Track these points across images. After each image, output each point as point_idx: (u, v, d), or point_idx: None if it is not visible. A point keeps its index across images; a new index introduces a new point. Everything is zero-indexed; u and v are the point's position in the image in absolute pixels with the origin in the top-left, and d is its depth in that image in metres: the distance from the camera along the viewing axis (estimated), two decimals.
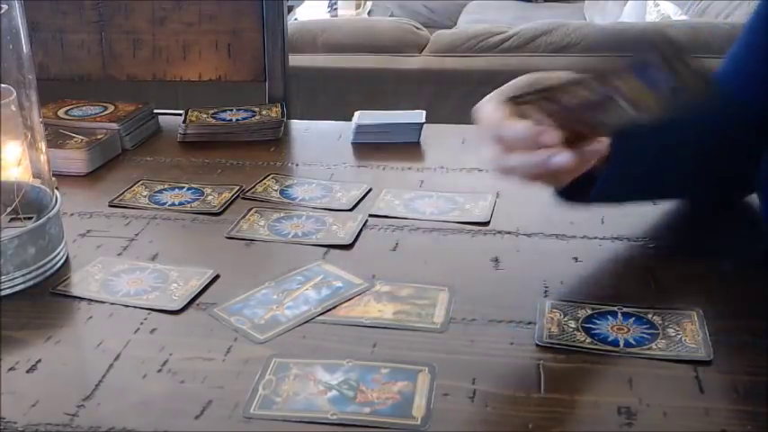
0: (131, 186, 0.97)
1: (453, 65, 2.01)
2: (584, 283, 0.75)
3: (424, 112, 1.12)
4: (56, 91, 1.19)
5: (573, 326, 0.68)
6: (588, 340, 0.66)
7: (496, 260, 0.79)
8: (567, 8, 4.04)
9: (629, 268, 0.78)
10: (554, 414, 0.58)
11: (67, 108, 1.14)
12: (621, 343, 0.65)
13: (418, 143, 1.09)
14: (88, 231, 0.86)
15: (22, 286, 0.74)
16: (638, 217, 0.86)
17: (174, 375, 0.63)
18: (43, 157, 0.81)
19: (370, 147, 1.08)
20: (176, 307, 0.72)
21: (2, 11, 0.74)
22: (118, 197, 0.94)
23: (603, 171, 0.71)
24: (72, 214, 0.89)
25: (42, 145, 0.81)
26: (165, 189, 0.96)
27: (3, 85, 0.77)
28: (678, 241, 0.82)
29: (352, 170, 1.02)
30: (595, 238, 0.83)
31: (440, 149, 1.07)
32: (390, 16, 4.01)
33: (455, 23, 3.72)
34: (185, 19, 1.21)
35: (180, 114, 1.17)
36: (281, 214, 0.89)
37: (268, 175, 0.99)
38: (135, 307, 0.72)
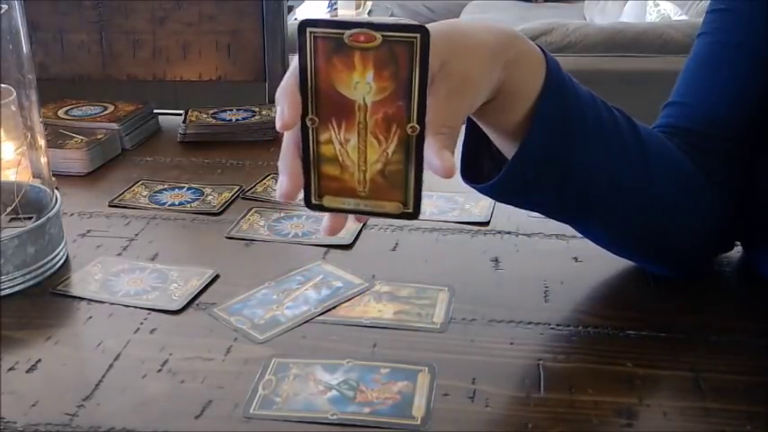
0: (131, 186, 0.97)
1: None
2: (584, 283, 0.75)
3: None
4: (56, 91, 1.19)
5: None
6: None
7: (496, 260, 0.79)
8: (567, 8, 4.04)
9: (628, 268, 0.78)
10: (554, 414, 0.58)
11: (67, 108, 1.14)
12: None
13: None
14: (88, 231, 0.86)
15: (22, 286, 0.74)
16: None
17: (174, 375, 0.63)
18: (43, 158, 0.81)
19: None
20: (176, 307, 0.72)
21: (2, 11, 0.74)
22: (118, 197, 0.94)
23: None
24: (72, 214, 0.89)
25: (42, 145, 0.81)
26: (165, 189, 0.96)
27: (3, 85, 0.77)
28: None
29: None
30: None
31: None
32: (390, 16, 4.01)
33: None
34: (185, 19, 1.21)
35: (180, 114, 1.17)
36: (281, 214, 0.89)
37: (268, 175, 0.99)
38: (135, 307, 0.72)
